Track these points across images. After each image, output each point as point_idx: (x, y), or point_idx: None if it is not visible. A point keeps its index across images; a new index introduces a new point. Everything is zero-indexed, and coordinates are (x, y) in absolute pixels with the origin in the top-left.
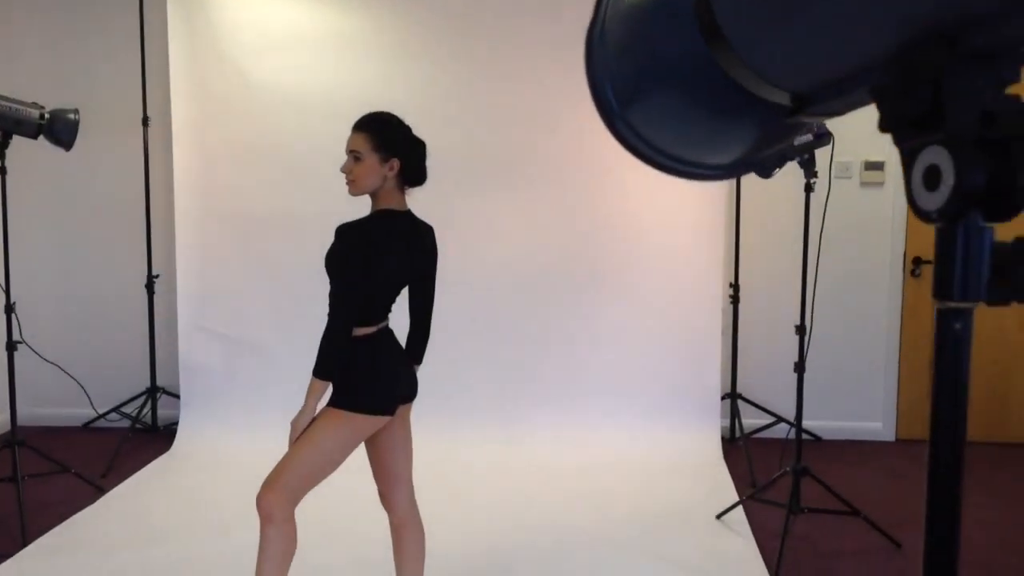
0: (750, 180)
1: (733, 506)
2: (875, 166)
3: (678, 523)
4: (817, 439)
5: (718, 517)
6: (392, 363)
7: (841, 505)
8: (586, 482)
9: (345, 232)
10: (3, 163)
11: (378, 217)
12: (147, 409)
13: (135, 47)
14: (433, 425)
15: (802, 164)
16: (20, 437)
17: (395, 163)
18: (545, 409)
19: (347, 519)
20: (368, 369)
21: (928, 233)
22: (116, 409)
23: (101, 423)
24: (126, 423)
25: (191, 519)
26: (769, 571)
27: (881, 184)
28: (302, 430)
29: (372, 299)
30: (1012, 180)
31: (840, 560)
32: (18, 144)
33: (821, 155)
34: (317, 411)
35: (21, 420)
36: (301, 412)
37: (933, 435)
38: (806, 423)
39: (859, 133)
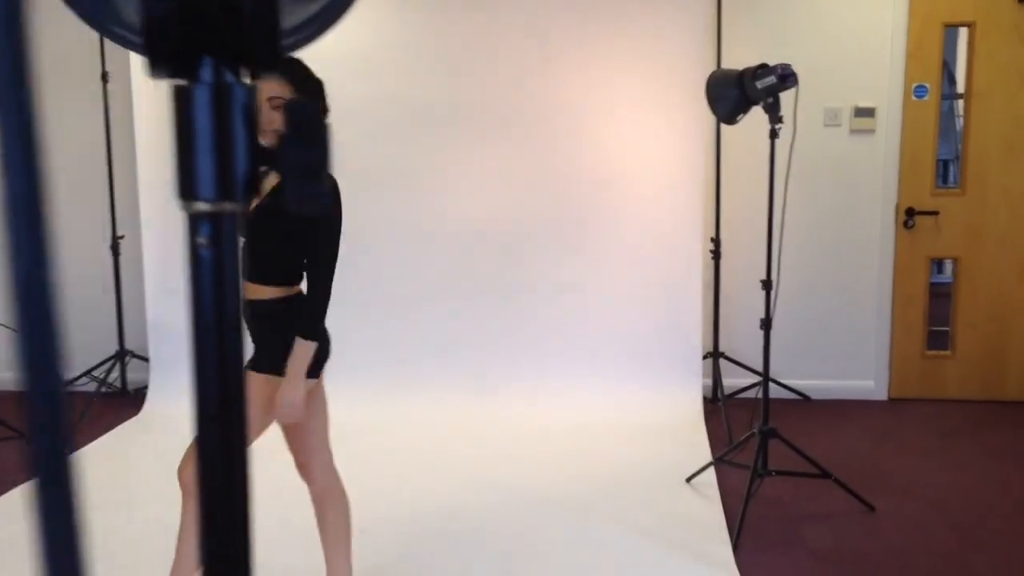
0: (730, 130)
1: (702, 469)
2: (865, 112)
3: (647, 486)
4: (806, 399)
5: (688, 480)
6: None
7: (812, 467)
8: (559, 444)
9: (335, 187)
10: None
11: None
12: (116, 373)
13: None
14: (401, 384)
15: (766, 108)
16: None
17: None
18: (519, 369)
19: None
20: (294, 329)
21: (923, 182)
22: (86, 373)
23: (73, 387)
24: (104, 389)
25: (156, 484)
26: (731, 536)
27: (872, 131)
28: (298, 405)
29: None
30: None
31: (808, 523)
32: None
33: (786, 98)
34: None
35: None
36: (296, 384)
37: (197, 401)
38: (794, 382)
39: (848, 78)
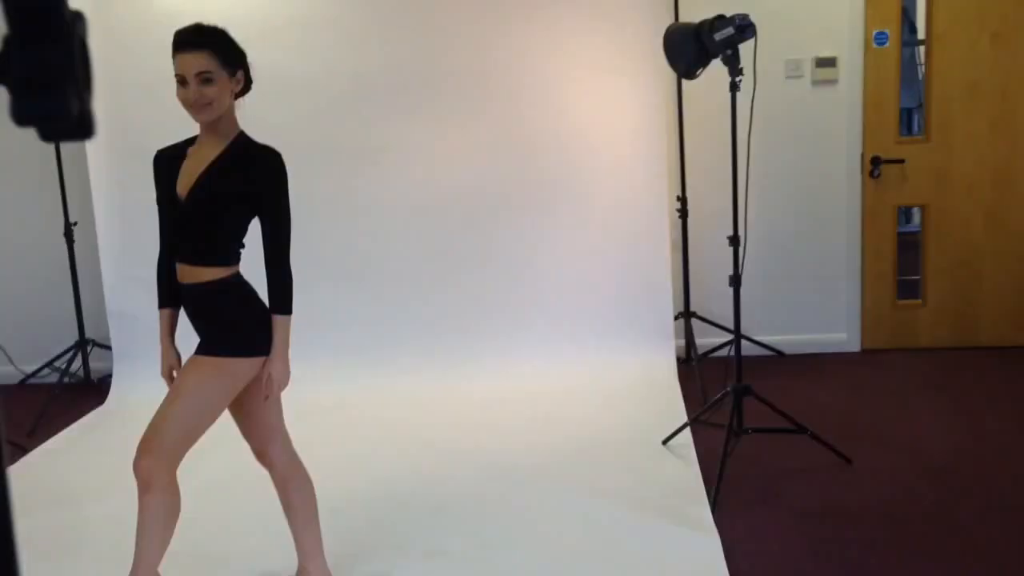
0: (691, 85)
1: (678, 430)
2: (827, 62)
3: (622, 451)
4: (780, 354)
5: (664, 443)
6: (262, 301)
7: (788, 423)
8: (531, 412)
9: (281, 158)
10: None
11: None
12: (78, 363)
13: None
14: (369, 358)
15: (726, 61)
16: None
17: (241, 76)
18: (488, 338)
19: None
20: (249, 309)
21: (888, 131)
22: (48, 364)
23: (36, 379)
24: (66, 379)
25: (125, 474)
26: (709, 496)
27: (834, 82)
28: (287, 380)
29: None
30: None
31: (786, 479)
32: None
33: (746, 50)
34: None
35: None
36: (282, 360)
37: None
38: (767, 338)
39: (808, 28)
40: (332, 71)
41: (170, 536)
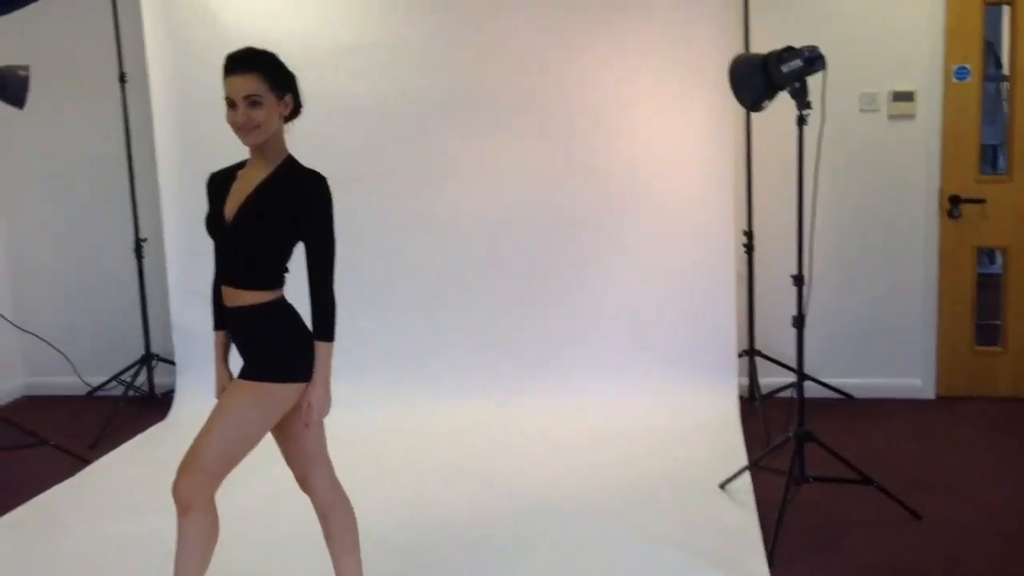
0: (761, 117)
1: (736, 474)
2: (904, 96)
3: (677, 492)
4: (849, 398)
5: (721, 486)
6: (305, 326)
7: (852, 473)
8: (585, 447)
9: (326, 182)
10: None
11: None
12: (143, 377)
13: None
14: (420, 383)
15: (793, 94)
16: None
17: (289, 100)
18: (543, 368)
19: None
20: (291, 334)
21: (968, 168)
22: (115, 378)
23: (103, 392)
24: (129, 392)
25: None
26: (766, 546)
27: (912, 116)
28: (328, 408)
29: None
30: None
31: (848, 531)
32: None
33: (817, 83)
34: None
35: (25, 390)
36: (323, 387)
37: None
38: (836, 380)
39: (885, 61)
40: (398, 94)
41: (208, 559)
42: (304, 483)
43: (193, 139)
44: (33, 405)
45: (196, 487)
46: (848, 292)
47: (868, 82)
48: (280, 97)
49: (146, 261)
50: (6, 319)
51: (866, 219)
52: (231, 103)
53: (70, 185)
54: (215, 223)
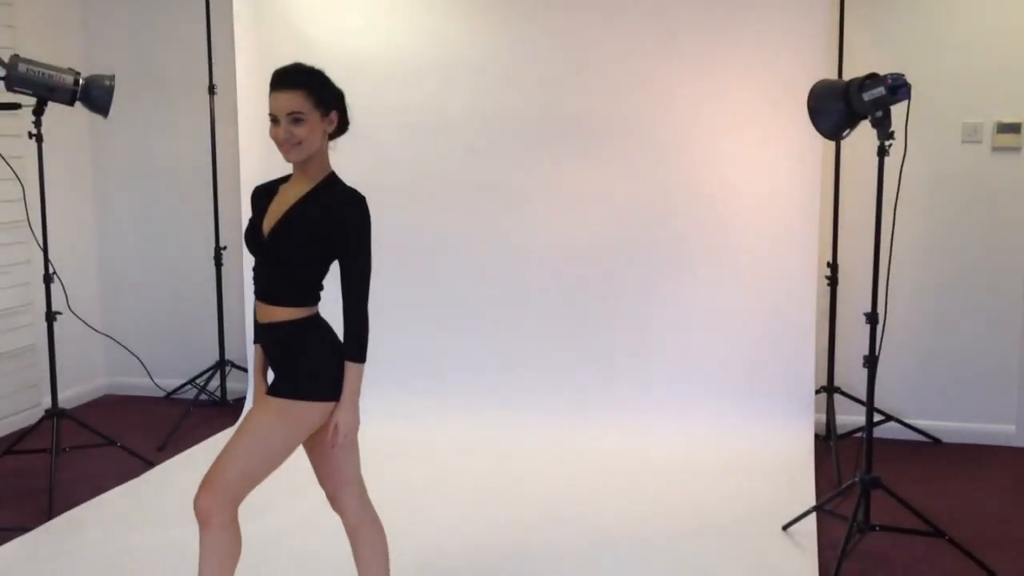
0: (851, 146)
1: (801, 516)
2: (1010, 128)
3: (737, 530)
4: (936, 441)
5: (784, 528)
6: (339, 346)
7: (922, 524)
8: (647, 479)
9: (364, 202)
10: (39, 130)
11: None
12: (216, 382)
13: (200, 13)
14: (481, 405)
15: (875, 123)
16: (60, 409)
17: (334, 117)
18: (610, 397)
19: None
20: (322, 352)
21: None
22: (190, 382)
23: (180, 395)
24: (202, 396)
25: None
26: None
27: (1017, 149)
28: (356, 430)
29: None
30: None
31: None
32: (96, 118)
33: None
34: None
35: (107, 390)
36: (350, 408)
37: None
38: (922, 422)
39: (990, 91)
40: (474, 112)
41: (230, 575)
42: (334, 502)
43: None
44: (112, 405)
45: (216, 504)
46: (940, 330)
47: (971, 112)
48: (325, 114)
49: (225, 269)
50: (84, 322)
51: (964, 253)
52: (274, 119)
53: (158, 192)
54: (253, 237)
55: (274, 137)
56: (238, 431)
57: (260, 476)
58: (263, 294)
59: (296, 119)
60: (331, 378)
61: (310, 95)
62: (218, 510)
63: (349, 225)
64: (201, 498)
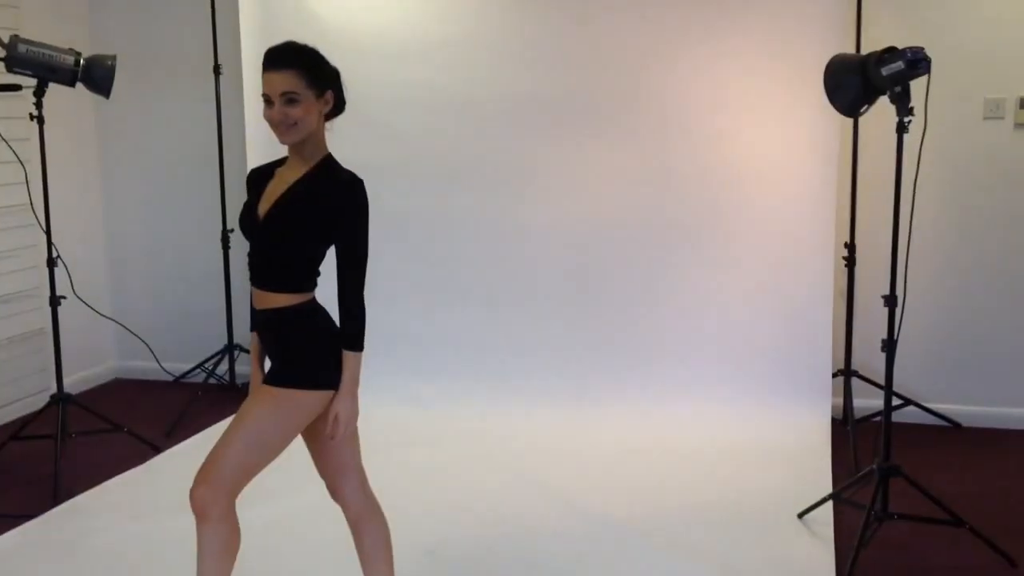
0: (869, 125)
1: (818, 503)
2: None
3: (751, 518)
4: (957, 426)
5: (800, 516)
6: (336, 330)
7: (942, 513)
8: (663, 463)
9: (362, 185)
10: (40, 112)
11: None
12: (225, 366)
13: None
14: (487, 390)
15: (893, 99)
16: (66, 394)
17: (330, 96)
18: (622, 381)
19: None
20: (319, 339)
21: None
22: (199, 367)
23: (189, 379)
24: (211, 381)
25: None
26: None
27: None
28: (355, 420)
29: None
30: None
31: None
32: (101, 100)
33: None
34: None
35: (116, 374)
36: (349, 397)
37: None
38: (942, 406)
39: (1013, 66)
40: (486, 92)
41: (228, 568)
42: (335, 493)
43: None
44: (121, 389)
45: (212, 497)
46: (961, 311)
47: (994, 87)
48: (320, 95)
49: (232, 251)
50: (88, 305)
51: (986, 232)
52: (268, 100)
53: (165, 175)
54: (247, 221)
55: (268, 118)
56: (234, 421)
57: (257, 467)
58: (258, 280)
59: (290, 99)
60: (329, 366)
61: (304, 74)
62: (215, 502)
63: (345, 209)
64: (197, 491)
